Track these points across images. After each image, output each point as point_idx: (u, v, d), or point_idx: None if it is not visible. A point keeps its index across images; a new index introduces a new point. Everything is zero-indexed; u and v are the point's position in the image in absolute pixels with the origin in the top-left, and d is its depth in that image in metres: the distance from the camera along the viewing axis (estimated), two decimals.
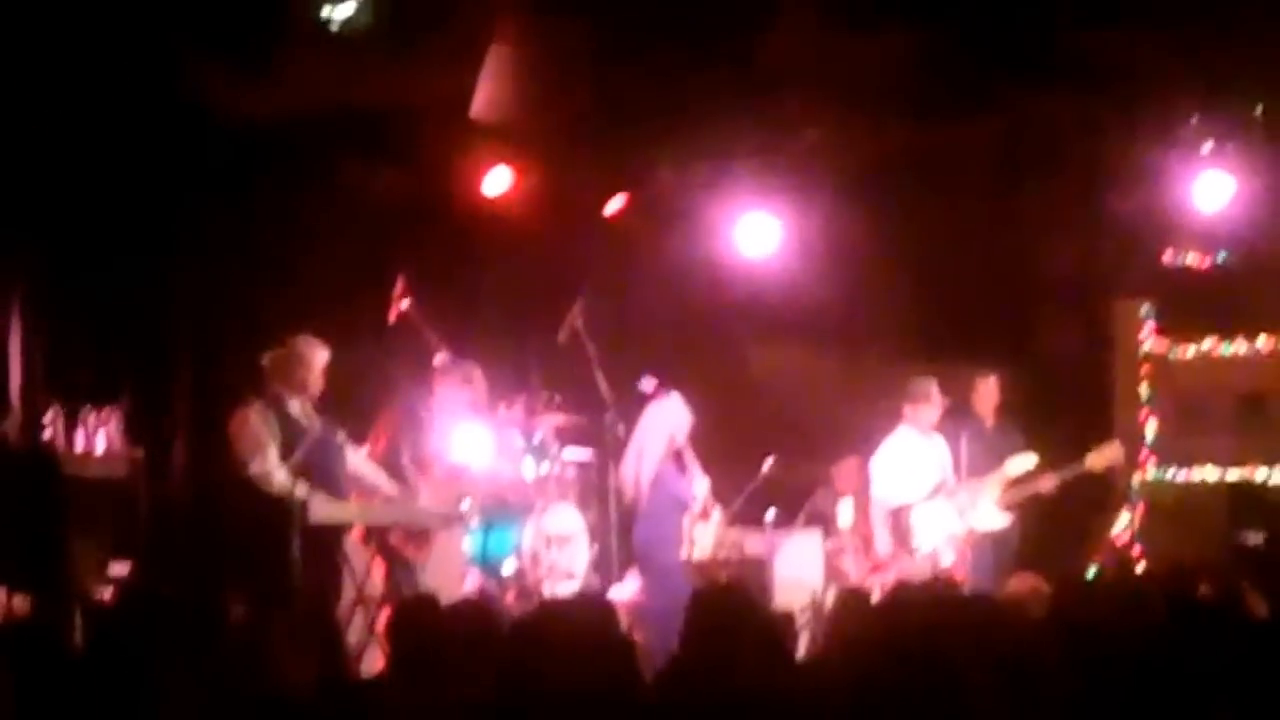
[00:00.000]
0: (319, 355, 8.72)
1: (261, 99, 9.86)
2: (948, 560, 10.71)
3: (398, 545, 9.02)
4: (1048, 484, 11.01)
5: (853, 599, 7.29)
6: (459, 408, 9.79)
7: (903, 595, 6.91)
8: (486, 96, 9.50)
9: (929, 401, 10.86)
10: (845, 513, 11.25)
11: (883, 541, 10.81)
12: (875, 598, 7.49)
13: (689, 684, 5.27)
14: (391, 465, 9.26)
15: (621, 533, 10.30)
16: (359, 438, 9.12)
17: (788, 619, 9.33)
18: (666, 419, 10.12)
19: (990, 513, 10.92)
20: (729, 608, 6.06)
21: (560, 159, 10.78)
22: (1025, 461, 10.93)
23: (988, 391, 11.27)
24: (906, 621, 6.17)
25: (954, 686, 5.01)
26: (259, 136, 10.14)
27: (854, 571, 10.78)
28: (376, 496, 8.98)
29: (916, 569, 10.36)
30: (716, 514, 10.17)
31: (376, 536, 8.98)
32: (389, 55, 9.64)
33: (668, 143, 10.74)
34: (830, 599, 9.83)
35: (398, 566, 9.06)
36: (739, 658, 5.45)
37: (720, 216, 11.56)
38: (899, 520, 10.71)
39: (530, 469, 10.21)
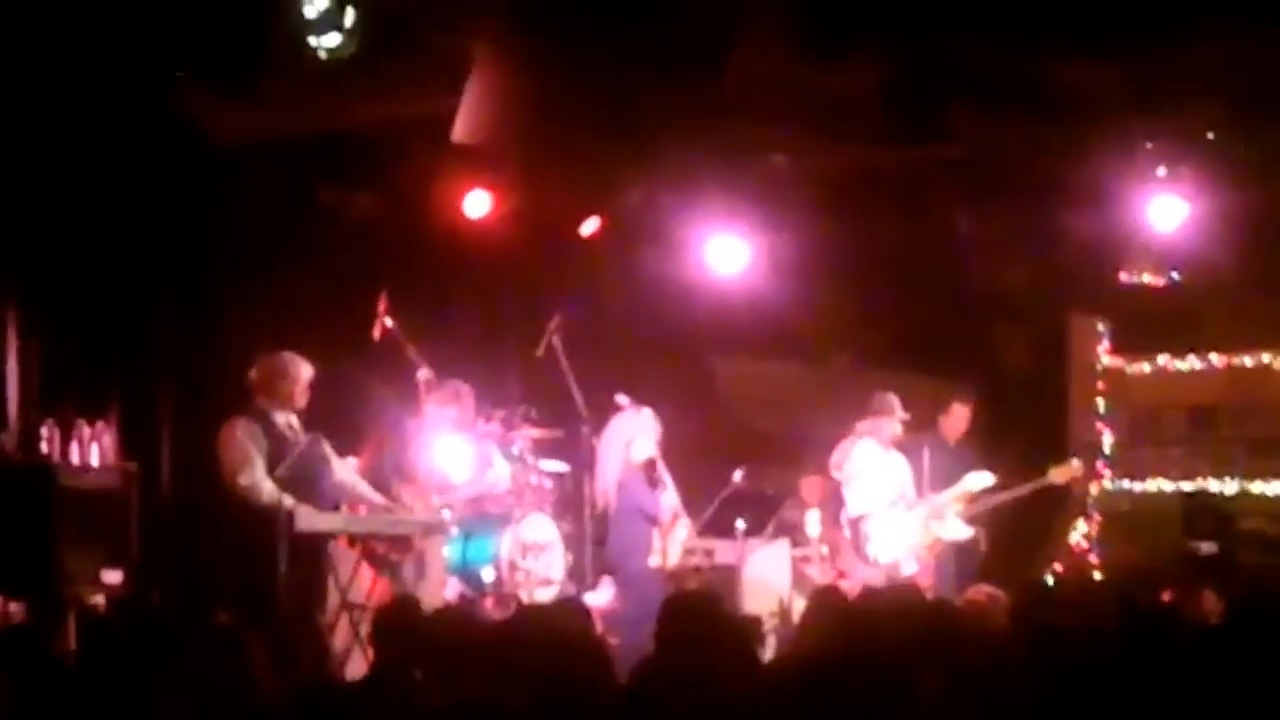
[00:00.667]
0: (304, 371, 8.85)
1: (250, 123, 10.00)
2: (910, 570, 10.92)
3: (382, 551, 9.25)
4: (1009, 496, 11.26)
5: (828, 594, 7.53)
6: (446, 422, 10.03)
7: (868, 601, 7.17)
8: (466, 121, 9.64)
9: (891, 416, 11.03)
10: (812, 523, 11.48)
11: (847, 550, 11.04)
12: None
13: (662, 685, 5.42)
14: (378, 476, 9.47)
15: (595, 541, 10.51)
16: (345, 450, 9.26)
17: (755, 623, 9.57)
18: (626, 430, 10.25)
19: (954, 524, 11.14)
20: (699, 612, 6.28)
21: (537, 182, 10.81)
22: (983, 478, 11.15)
23: (960, 417, 11.47)
24: (871, 625, 6.44)
25: (913, 691, 5.28)
26: (247, 159, 10.32)
27: (821, 579, 10.94)
28: (362, 505, 9.16)
29: (880, 577, 10.59)
30: (686, 523, 10.33)
31: (361, 542, 9.18)
32: (372, 82, 9.72)
33: (640, 166, 10.80)
34: (797, 605, 10.10)
35: (383, 569, 9.28)
36: (709, 660, 5.63)
37: (691, 237, 11.71)
38: (856, 529, 10.92)
39: (508, 480, 10.41)
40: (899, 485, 11.11)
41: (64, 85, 9.46)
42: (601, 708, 5.21)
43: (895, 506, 11.02)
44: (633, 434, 10.24)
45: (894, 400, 11.11)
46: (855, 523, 10.95)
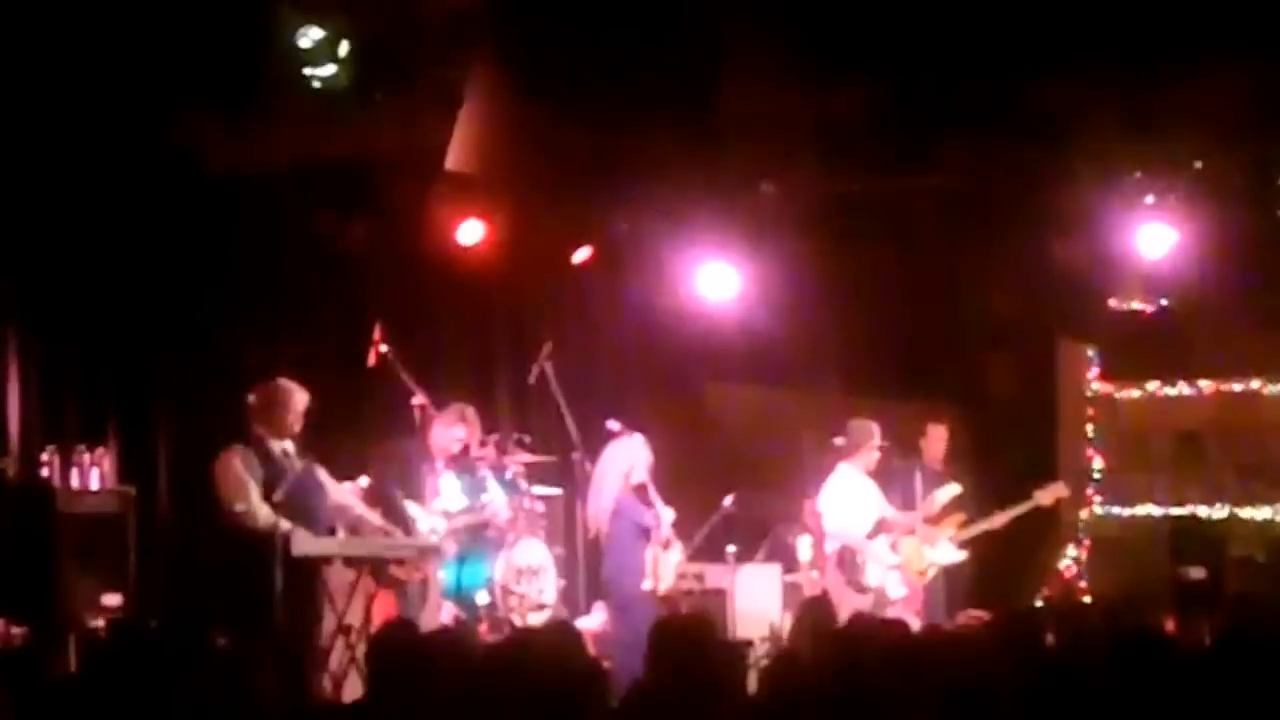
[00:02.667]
0: (299, 399, 8.88)
1: (245, 153, 10.09)
2: (900, 594, 11.00)
3: (392, 571, 9.30)
4: (999, 520, 11.29)
5: (816, 606, 7.60)
6: (453, 444, 10.08)
7: (857, 627, 7.23)
8: (459, 150, 9.72)
9: (869, 445, 11.06)
10: (804, 547, 11.53)
11: (835, 578, 11.07)
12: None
13: (652, 709, 5.43)
14: (385, 499, 9.58)
15: (587, 566, 10.57)
16: (340, 475, 9.30)
17: (746, 646, 9.64)
18: (622, 457, 10.26)
19: (946, 548, 11.20)
20: (689, 636, 6.39)
21: (529, 210, 10.88)
22: (951, 489, 11.19)
23: (937, 437, 11.49)
24: (860, 651, 6.50)
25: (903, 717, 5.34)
26: (242, 188, 10.40)
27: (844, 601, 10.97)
28: (360, 529, 9.20)
29: (868, 604, 10.62)
30: (678, 547, 10.36)
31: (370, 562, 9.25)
32: (367, 112, 9.84)
33: (631, 195, 10.90)
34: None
35: (392, 589, 9.36)
36: (699, 684, 5.66)
37: (681, 264, 11.78)
38: (843, 557, 10.94)
39: (506, 508, 10.44)
40: (876, 512, 11.11)
41: (62, 116, 9.56)
42: None
43: (879, 532, 11.05)
44: (633, 459, 10.28)
45: (872, 428, 11.13)
46: (841, 551, 10.96)
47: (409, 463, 9.90)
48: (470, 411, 10.22)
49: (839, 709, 5.24)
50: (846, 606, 10.19)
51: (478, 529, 10.30)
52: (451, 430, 10.07)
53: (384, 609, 9.15)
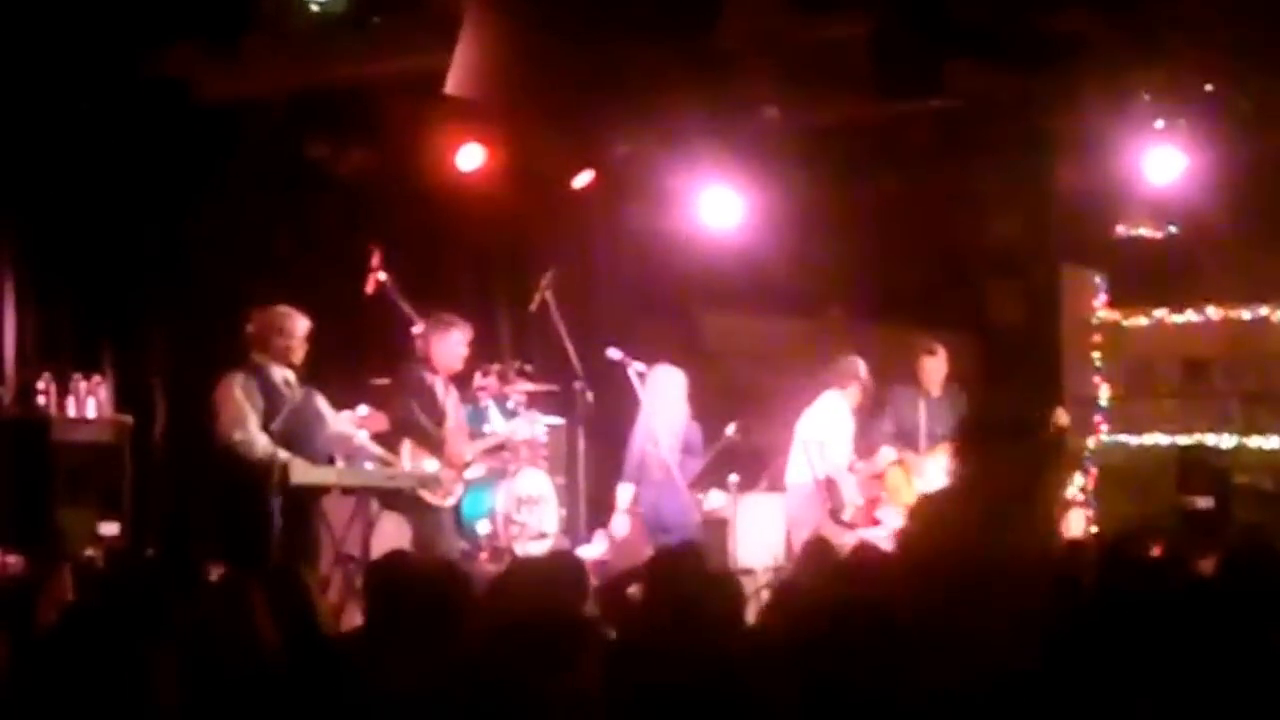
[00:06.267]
0: (300, 325, 8.83)
1: (242, 77, 10.03)
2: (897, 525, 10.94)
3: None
4: None
5: (818, 546, 7.58)
6: (456, 355, 9.83)
7: (861, 556, 7.20)
8: (459, 74, 9.62)
9: (855, 381, 11.07)
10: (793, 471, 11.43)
11: (822, 511, 11.03)
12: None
13: (649, 638, 5.43)
14: (402, 429, 9.51)
15: (589, 495, 10.57)
16: (338, 403, 9.26)
17: (748, 576, 9.63)
18: (677, 385, 10.46)
19: (940, 478, 11.12)
20: (686, 566, 6.40)
21: (529, 135, 10.84)
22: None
23: (930, 368, 11.37)
24: (862, 580, 6.46)
25: (903, 645, 5.29)
26: (237, 116, 10.34)
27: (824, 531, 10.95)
28: (360, 458, 9.17)
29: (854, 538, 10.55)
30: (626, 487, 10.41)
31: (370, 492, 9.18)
32: (364, 36, 9.78)
33: (632, 119, 10.82)
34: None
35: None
36: (695, 615, 5.63)
37: (683, 190, 11.69)
38: (832, 489, 10.91)
39: (519, 427, 10.42)
40: (849, 451, 11.10)
41: (53, 46, 9.50)
42: (593, 654, 5.21)
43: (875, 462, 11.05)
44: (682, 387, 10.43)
45: (858, 365, 11.12)
46: (829, 483, 10.92)
47: (423, 389, 9.77)
48: (456, 319, 9.99)
49: (838, 641, 5.17)
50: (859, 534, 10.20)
51: (495, 452, 10.20)
52: (449, 339, 9.88)
53: (402, 538, 9.16)
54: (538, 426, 10.57)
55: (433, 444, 9.52)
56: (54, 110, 9.74)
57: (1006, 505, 5.32)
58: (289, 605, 5.86)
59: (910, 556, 5.72)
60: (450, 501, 9.59)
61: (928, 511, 5.84)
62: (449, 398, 9.81)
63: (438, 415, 9.66)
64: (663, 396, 10.42)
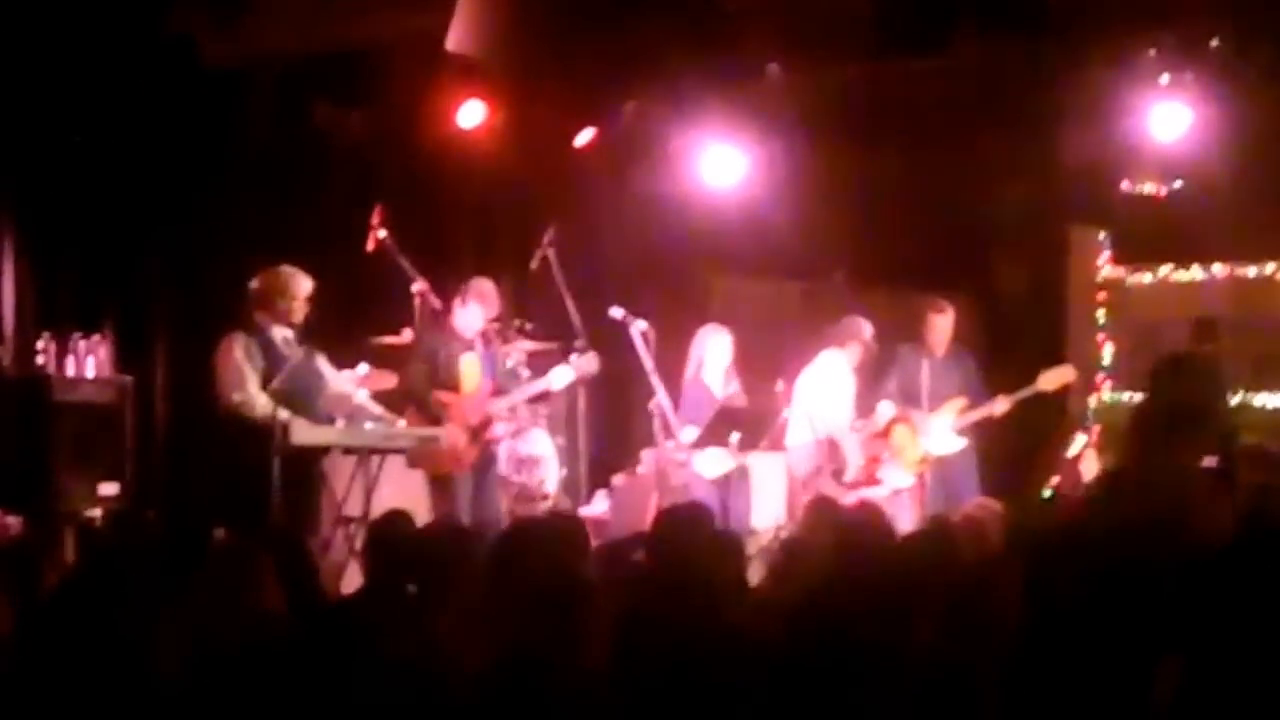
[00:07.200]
0: (303, 286, 8.80)
1: (244, 38, 10.01)
2: (906, 485, 10.91)
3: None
4: (1000, 406, 11.13)
5: (822, 506, 7.55)
6: (479, 322, 9.79)
7: (863, 516, 7.17)
8: (460, 32, 9.57)
9: (858, 341, 11.00)
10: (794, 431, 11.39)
11: (852, 464, 10.98)
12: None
13: (654, 599, 5.42)
14: (416, 390, 9.48)
15: (589, 454, 10.55)
16: (339, 363, 9.25)
17: (750, 536, 9.57)
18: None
19: (943, 437, 11.11)
20: (690, 525, 6.39)
21: (531, 93, 10.81)
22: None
23: (938, 327, 11.25)
24: (865, 542, 6.44)
25: (909, 609, 5.26)
26: (241, 77, 10.30)
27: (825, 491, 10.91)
28: (360, 417, 9.10)
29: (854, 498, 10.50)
30: (691, 430, 10.29)
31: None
32: None
33: (635, 77, 10.78)
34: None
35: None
36: (698, 573, 5.70)
37: (686, 150, 11.59)
38: (835, 450, 10.84)
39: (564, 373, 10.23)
40: (850, 411, 11.03)
41: (60, 5, 9.47)
42: (594, 621, 5.18)
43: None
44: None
45: (864, 326, 11.06)
46: (831, 443, 10.85)
47: (447, 350, 9.69)
48: (488, 284, 9.93)
49: (840, 601, 5.16)
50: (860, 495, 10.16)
51: (538, 400, 10.17)
52: (466, 311, 9.80)
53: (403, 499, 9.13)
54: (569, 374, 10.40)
55: (431, 415, 9.45)
56: (58, 71, 9.68)
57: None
58: (292, 570, 5.86)
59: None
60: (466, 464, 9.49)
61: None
62: (467, 357, 9.69)
63: (453, 381, 9.59)
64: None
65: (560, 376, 10.00)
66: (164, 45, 9.92)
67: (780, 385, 10.63)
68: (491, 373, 9.83)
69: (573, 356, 9.99)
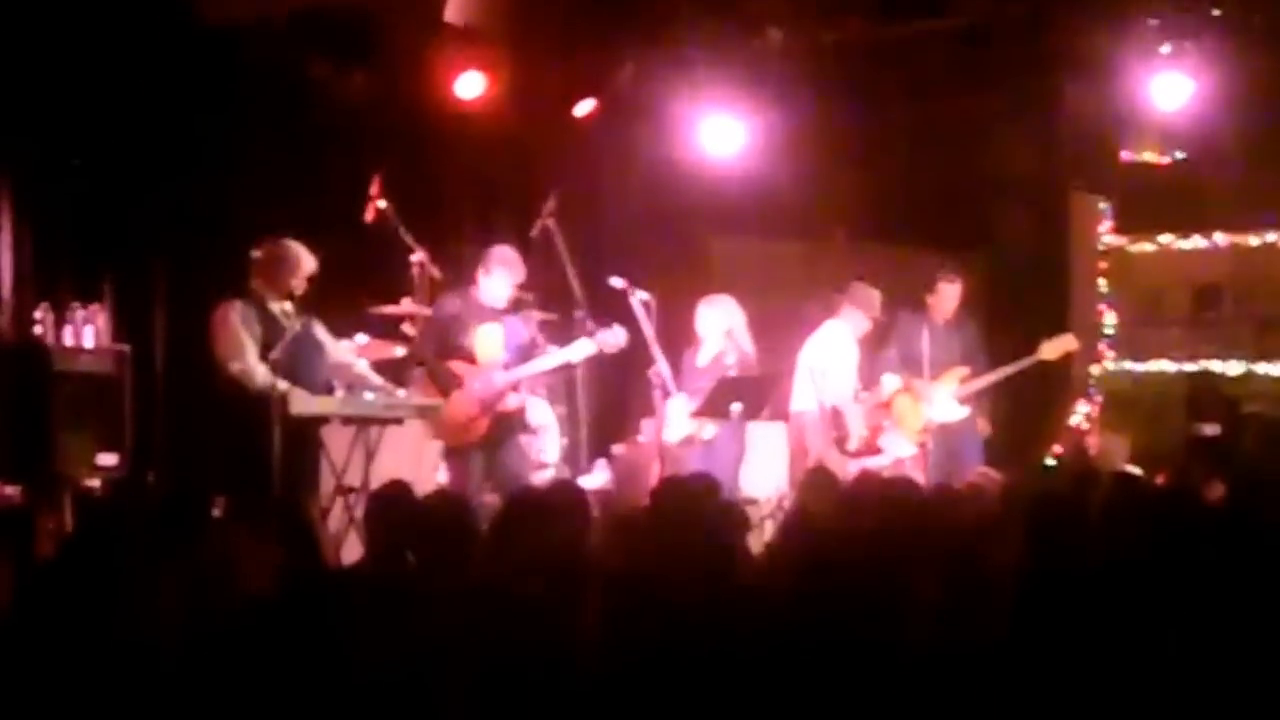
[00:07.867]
0: (306, 263, 8.72)
1: (241, 1, 9.96)
2: (908, 454, 10.90)
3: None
4: (1002, 375, 11.13)
5: (819, 476, 7.55)
6: (500, 293, 9.67)
7: (863, 487, 7.16)
8: (459, 1, 9.54)
9: (867, 310, 10.97)
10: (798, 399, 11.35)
11: (855, 434, 10.95)
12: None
13: (653, 567, 5.37)
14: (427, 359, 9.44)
15: (590, 424, 10.51)
16: (338, 332, 9.20)
17: (751, 505, 9.57)
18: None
19: (944, 405, 11.09)
20: (692, 494, 6.38)
21: (531, 62, 10.79)
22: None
23: (947, 295, 11.23)
24: (866, 511, 6.44)
25: (908, 579, 5.26)
26: (238, 38, 10.24)
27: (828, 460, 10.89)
28: (360, 386, 9.04)
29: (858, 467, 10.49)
30: (682, 398, 10.27)
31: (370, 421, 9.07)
32: None
33: (635, 44, 10.76)
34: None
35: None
36: (700, 542, 5.68)
37: (686, 115, 11.59)
38: (838, 419, 10.81)
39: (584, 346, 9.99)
40: (853, 380, 10.99)
41: None
42: (596, 590, 5.18)
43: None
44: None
45: (874, 296, 11.00)
46: (835, 412, 10.81)
47: (463, 319, 9.62)
48: (511, 253, 9.79)
49: (841, 570, 5.14)
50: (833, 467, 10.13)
51: (563, 371, 10.11)
52: (491, 280, 9.66)
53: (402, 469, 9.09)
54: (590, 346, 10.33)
55: (441, 385, 9.41)
56: (52, 34, 9.63)
57: None
58: (292, 538, 5.85)
59: None
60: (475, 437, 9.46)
61: None
62: (486, 327, 9.65)
63: (467, 352, 9.55)
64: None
65: (581, 349, 9.90)
66: (160, 2, 9.85)
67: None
68: (516, 344, 9.73)
69: (599, 332, 9.83)
